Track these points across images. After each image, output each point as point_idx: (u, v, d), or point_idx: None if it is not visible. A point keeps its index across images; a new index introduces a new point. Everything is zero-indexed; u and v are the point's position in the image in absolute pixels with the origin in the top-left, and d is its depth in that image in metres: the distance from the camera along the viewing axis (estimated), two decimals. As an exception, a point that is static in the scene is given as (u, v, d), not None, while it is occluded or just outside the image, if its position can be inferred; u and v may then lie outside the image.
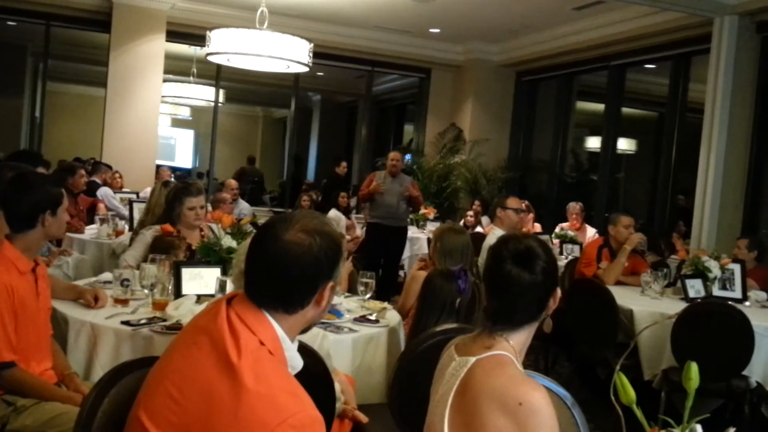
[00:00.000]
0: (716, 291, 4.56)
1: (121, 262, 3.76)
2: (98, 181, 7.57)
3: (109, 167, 8.10)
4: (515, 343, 1.62)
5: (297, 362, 1.48)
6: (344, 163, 9.29)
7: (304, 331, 1.52)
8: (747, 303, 4.51)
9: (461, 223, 8.24)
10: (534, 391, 1.50)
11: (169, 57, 9.30)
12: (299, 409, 1.31)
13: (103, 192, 7.11)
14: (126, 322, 2.72)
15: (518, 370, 1.58)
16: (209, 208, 6.88)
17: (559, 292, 1.68)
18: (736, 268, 4.64)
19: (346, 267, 4.05)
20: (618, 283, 4.84)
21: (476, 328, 1.70)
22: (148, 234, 3.85)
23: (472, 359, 1.59)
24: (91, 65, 11.78)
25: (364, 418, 2.47)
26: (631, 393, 1.25)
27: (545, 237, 6.94)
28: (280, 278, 1.42)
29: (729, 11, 6.67)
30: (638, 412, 1.23)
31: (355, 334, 2.95)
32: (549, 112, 10.43)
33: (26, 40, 11.74)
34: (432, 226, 8.38)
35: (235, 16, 8.48)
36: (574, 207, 7.83)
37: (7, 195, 2.45)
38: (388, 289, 6.56)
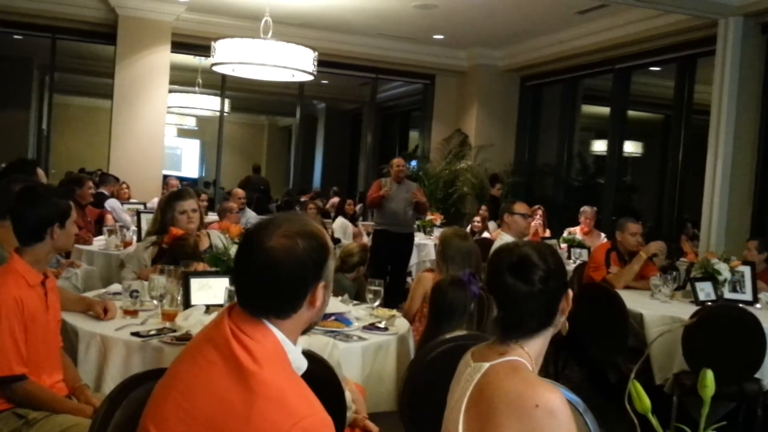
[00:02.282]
0: (726, 294, 4.52)
1: (122, 278, 3.75)
2: (106, 192, 7.60)
3: (117, 179, 8.12)
4: (530, 350, 1.61)
5: (301, 363, 1.47)
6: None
7: (304, 332, 1.52)
8: (758, 305, 4.47)
9: (468, 228, 8.23)
10: (550, 393, 1.49)
11: (175, 68, 9.34)
12: (311, 412, 1.31)
13: (111, 204, 7.13)
14: (136, 334, 2.72)
15: (533, 373, 1.57)
16: (217, 217, 6.91)
17: (570, 293, 1.65)
18: (746, 270, 4.60)
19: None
20: (627, 287, 4.81)
21: (488, 335, 1.69)
22: (141, 247, 3.86)
23: (486, 365, 1.58)
24: (97, 77, 11.85)
25: (374, 427, 2.47)
26: (647, 401, 1.24)
27: (552, 241, 6.92)
28: (268, 285, 1.41)
29: (734, 12, 6.65)
30: (654, 421, 1.22)
31: (365, 342, 2.94)
32: (554, 116, 10.42)
33: (32, 53, 11.82)
34: (439, 233, 8.37)
35: (239, 26, 8.51)
36: (587, 211, 7.75)
37: (16, 208, 2.46)
38: (395, 297, 6.55)
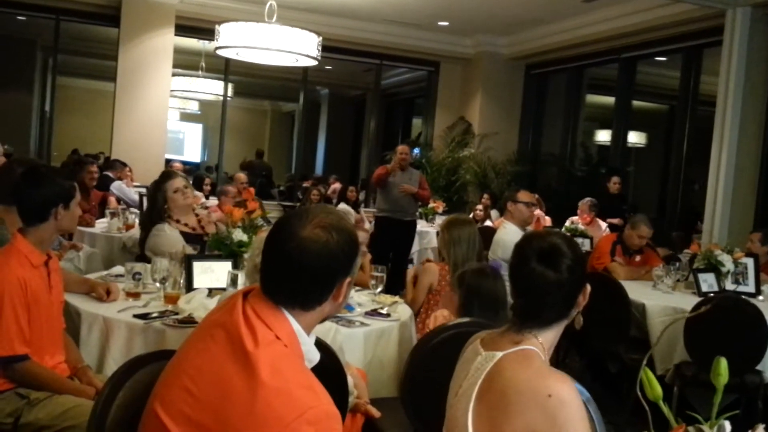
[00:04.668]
0: (729, 285, 4.52)
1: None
2: (111, 175, 7.62)
3: (125, 164, 8.13)
4: (544, 340, 1.60)
5: (313, 355, 1.47)
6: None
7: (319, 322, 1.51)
8: (761, 297, 4.46)
9: (470, 216, 8.22)
10: (562, 383, 1.49)
11: (178, 51, 9.30)
12: (315, 404, 1.30)
13: (118, 186, 7.17)
14: (138, 316, 2.72)
15: (545, 363, 1.57)
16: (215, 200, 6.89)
17: (588, 287, 1.65)
18: (749, 262, 4.59)
19: (366, 257, 4.01)
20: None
21: (493, 322, 1.68)
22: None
23: (499, 354, 1.57)
24: (100, 60, 11.80)
25: (376, 412, 2.47)
26: (658, 389, 1.23)
27: (555, 230, 6.91)
28: (298, 275, 1.40)
29: (741, 3, 6.60)
30: (665, 408, 1.21)
31: (367, 328, 2.94)
32: (558, 105, 10.38)
33: (36, 35, 11.78)
34: (441, 220, 8.35)
35: (243, 10, 8.47)
36: (582, 204, 7.81)
37: (20, 189, 2.45)
38: (397, 283, 6.55)
